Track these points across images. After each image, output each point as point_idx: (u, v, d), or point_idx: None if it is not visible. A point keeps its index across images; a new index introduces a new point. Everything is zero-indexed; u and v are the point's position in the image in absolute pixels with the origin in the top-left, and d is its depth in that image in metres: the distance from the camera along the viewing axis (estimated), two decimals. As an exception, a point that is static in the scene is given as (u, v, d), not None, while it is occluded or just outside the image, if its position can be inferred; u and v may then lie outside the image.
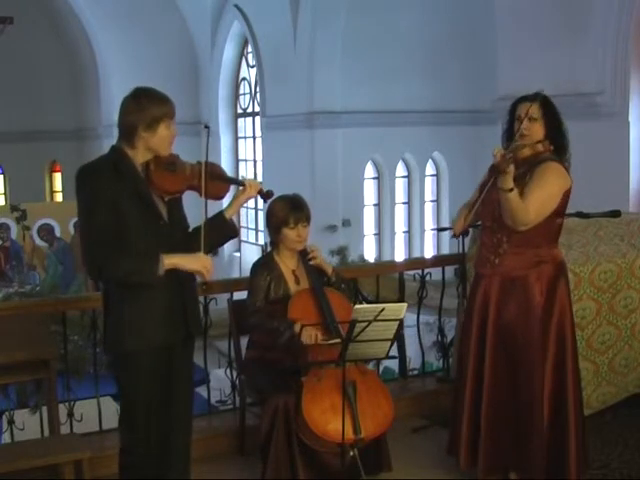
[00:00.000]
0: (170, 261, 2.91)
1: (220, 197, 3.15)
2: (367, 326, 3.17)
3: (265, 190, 3.23)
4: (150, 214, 2.97)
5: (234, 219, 3.26)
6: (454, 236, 3.86)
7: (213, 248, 3.22)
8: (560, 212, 3.52)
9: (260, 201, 13.87)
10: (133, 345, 2.98)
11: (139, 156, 2.98)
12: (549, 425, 3.53)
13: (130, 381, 3.03)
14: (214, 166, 3.16)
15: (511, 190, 3.30)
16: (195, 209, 3.15)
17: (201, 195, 3.02)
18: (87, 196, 2.92)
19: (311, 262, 3.84)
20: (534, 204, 3.38)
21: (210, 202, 3.08)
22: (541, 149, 3.46)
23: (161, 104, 2.95)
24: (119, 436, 3.16)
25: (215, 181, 3.08)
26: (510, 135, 3.56)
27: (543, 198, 3.40)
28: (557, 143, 3.49)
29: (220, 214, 3.19)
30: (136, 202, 2.93)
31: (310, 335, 3.50)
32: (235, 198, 3.21)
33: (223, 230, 3.20)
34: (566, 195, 3.49)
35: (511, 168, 3.26)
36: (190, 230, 3.18)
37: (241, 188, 3.20)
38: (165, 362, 3.05)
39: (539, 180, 3.41)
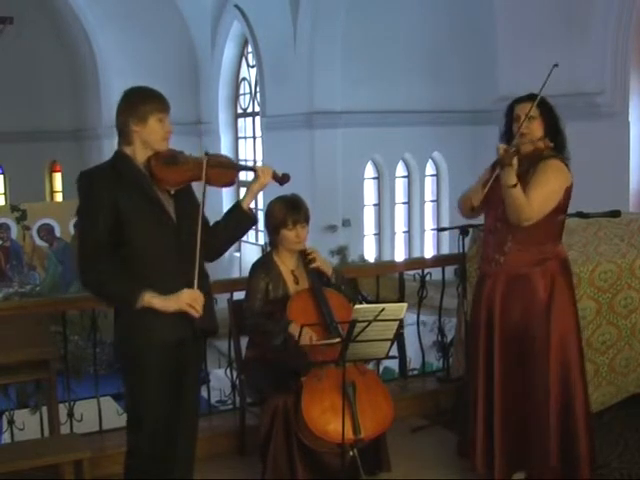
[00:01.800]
0: (150, 301, 2.90)
1: (228, 184, 3.17)
2: (367, 326, 3.17)
3: (281, 174, 3.21)
4: (155, 212, 2.97)
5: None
6: (463, 214, 3.80)
7: (235, 240, 3.34)
8: (562, 209, 3.56)
9: (260, 201, 13.89)
10: (140, 344, 2.98)
11: (138, 154, 2.99)
12: (558, 423, 3.54)
13: (139, 381, 3.03)
14: (218, 155, 3.17)
15: (515, 186, 3.35)
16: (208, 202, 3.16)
17: (203, 182, 3.00)
18: (84, 201, 2.95)
19: (312, 265, 3.83)
20: (536, 200, 3.42)
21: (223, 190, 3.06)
22: (541, 146, 3.52)
23: (150, 99, 3.00)
24: (127, 437, 3.16)
25: (220, 169, 3.07)
26: (508, 137, 3.60)
27: (545, 194, 3.44)
28: (556, 140, 3.55)
29: (237, 205, 3.21)
30: (140, 200, 2.93)
31: (304, 337, 3.48)
32: (249, 187, 3.21)
33: (242, 221, 3.21)
34: (567, 192, 3.53)
35: (515, 162, 3.32)
36: (211, 225, 3.16)
37: (253, 175, 3.19)
38: (173, 361, 3.04)
39: (541, 177, 3.46)
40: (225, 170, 3.10)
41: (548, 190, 3.45)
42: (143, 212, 2.94)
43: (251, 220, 3.24)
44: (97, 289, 2.98)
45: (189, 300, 2.94)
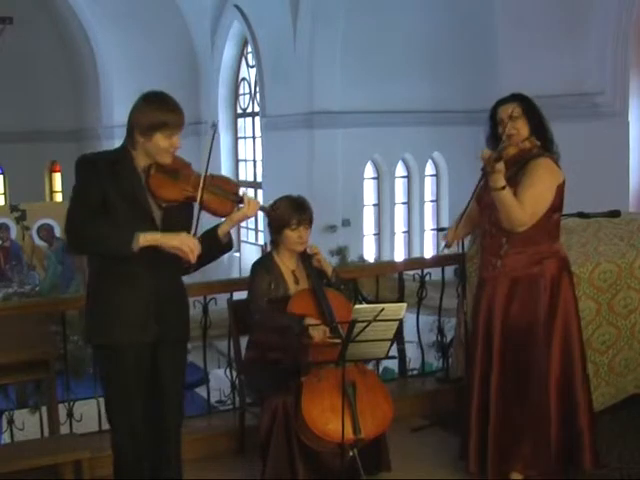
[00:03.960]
0: (148, 237, 2.85)
1: (222, 215, 3.07)
2: (367, 326, 3.17)
3: (267, 207, 3.19)
4: (141, 216, 2.93)
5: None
6: (446, 245, 3.90)
7: (206, 262, 3.10)
8: (556, 207, 3.53)
9: (261, 200, 13.87)
10: (101, 340, 3.03)
11: (140, 158, 2.96)
12: (560, 422, 3.54)
13: (103, 374, 3.09)
14: (222, 179, 3.08)
15: (503, 188, 3.32)
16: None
17: (200, 207, 2.95)
18: (78, 182, 2.93)
19: (314, 263, 3.83)
20: (528, 203, 3.39)
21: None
22: (528, 146, 3.49)
23: (163, 111, 2.89)
24: (110, 435, 3.18)
25: (217, 197, 2.99)
26: (494, 140, 3.58)
27: (536, 195, 3.42)
28: (544, 137, 3.53)
29: (214, 230, 3.15)
30: (129, 202, 2.91)
31: (319, 331, 3.51)
32: (231, 216, 3.13)
33: (214, 247, 3.14)
34: (560, 189, 3.50)
35: (499, 166, 3.27)
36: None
37: (240, 206, 3.10)
38: (149, 360, 3.05)
39: (531, 178, 3.42)
40: (222, 200, 3.02)
41: (539, 191, 3.42)
42: (130, 213, 2.91)
43: (225, 248, 3.18)
44: (89, 244, 2.89)
45: (187, 241, 2.87)
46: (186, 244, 2.87)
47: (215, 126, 3.07)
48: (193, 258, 2.88)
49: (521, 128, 3.49)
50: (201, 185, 2.92)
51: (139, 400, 3.06)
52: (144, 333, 3.01)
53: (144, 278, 2.95)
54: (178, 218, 3.02)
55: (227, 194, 3.04)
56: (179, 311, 3.16)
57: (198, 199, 2.92)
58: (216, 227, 3.15)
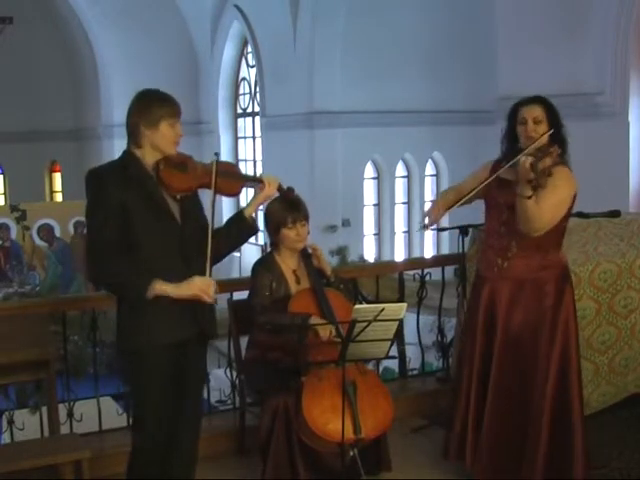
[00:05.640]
0: (161, 287, 2.91)
1: (233, 194, 3.18)
2: (367, 326, 3.17)
3: (286, 187, 3.24)
4: (160, 213, 2.97)
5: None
6: (423, 228, 3.83)
7: (235, 248, 3.25)
8: (567, 216, 3.54)
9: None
10: (141, 343, 2.99)
11: (147, 156, 3.00)
12: (552, 429, 3.51)
13: (140, 379, 3.05)
14: (227, 164, 3.18)
15: (530, 197, 3.31)
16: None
17: (213, 191, 3.01)
18: (90, 200, 2.96)
19: (314, 260, 3.84)
20: (548, 211, 3.39)
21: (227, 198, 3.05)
22: (555, 155, 3.45)
23: (163, 103, 2.99)
24: (131, 436, 3.16)
25: (227, 178, 3.08)
26: (511, 138, 3.56)
27: (556, 204, 3.42)
28: (561, 144, 3.51)
29: (240, 213, 3.21)
30: (146, 202, 2.94)
31: (327, 330, 3.51)
32: (253, 197, 3.22)
33: (244, 230, 3.20)
34: (574, 199, 3.51)
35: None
36: (212, 230, 3.12)
37: (260, 186, 3.19)
38: (176, 361, 3.05)
39: (551, 187, 3.39)
40: (232, 180, 3.11)
41: (558, 200, 3.42)
42: (148, 212, 2.94)
43: (252, 229, 3.24)
44: (108, 282, 2.98)
45: (202, 286, 2.94)
46: (202, 289, 2.94)
47: (217, 157, 3.15)
48: (212, 296, 2.96)
49: (542, 132, 3.45)
50: (214, 170, 3.00)
51: (169, 402, 3.06)
52: (186, 330, 3.03)
53: (180, 272, 2.96)
54: (193, 209, 3.08)
55: (233, 175, 3.14)
56: (211, 306, 3.18)
57: (212, 184, 3.00)
58: (241, 211, 3.21)
